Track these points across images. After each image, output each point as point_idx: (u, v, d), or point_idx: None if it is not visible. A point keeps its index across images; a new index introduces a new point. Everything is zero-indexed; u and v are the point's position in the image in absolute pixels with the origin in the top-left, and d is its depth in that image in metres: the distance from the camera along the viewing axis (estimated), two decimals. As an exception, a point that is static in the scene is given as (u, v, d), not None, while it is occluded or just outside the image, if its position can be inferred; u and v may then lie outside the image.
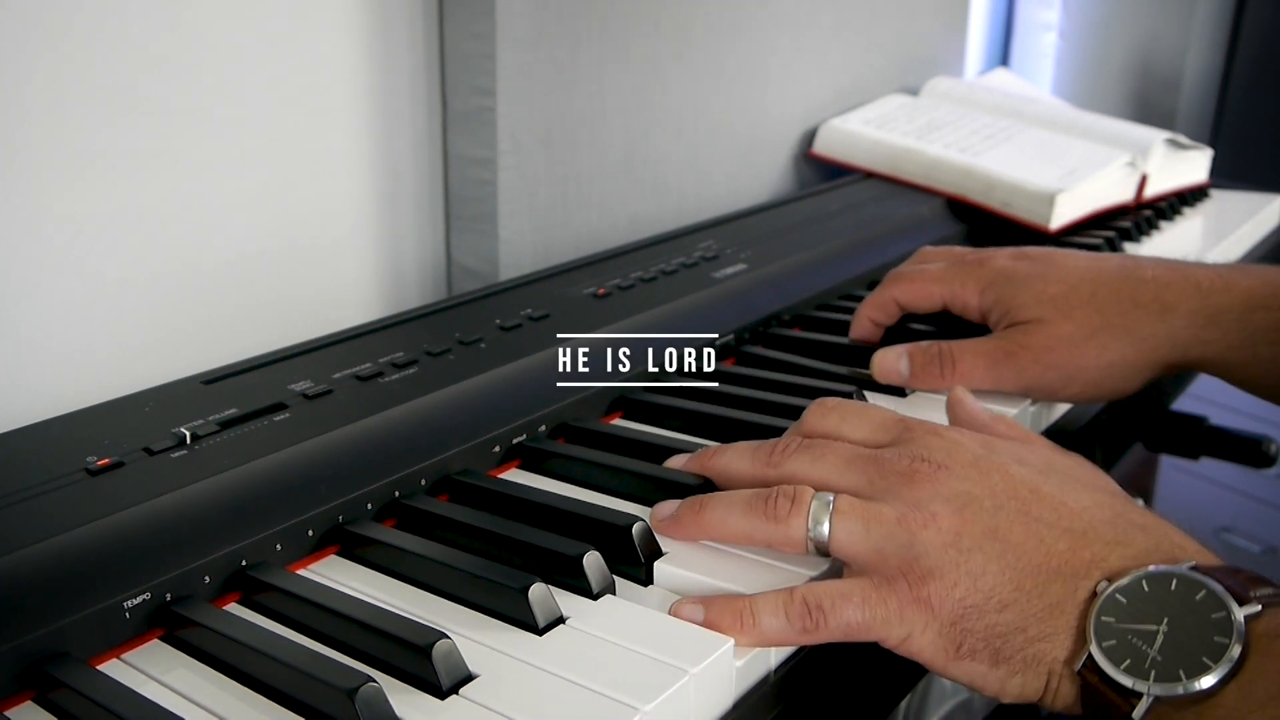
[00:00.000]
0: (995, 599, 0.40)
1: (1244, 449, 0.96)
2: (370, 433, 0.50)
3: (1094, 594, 0.39)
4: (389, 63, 0.76)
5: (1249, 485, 1.80)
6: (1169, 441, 0.98)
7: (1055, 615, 0.39)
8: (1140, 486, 1.74)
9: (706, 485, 0.49)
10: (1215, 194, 1.20)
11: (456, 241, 0.82)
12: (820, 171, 1.13)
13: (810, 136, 1.12)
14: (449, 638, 0.37)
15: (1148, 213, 1.06)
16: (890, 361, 0.62)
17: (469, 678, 0.37)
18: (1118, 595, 0.38)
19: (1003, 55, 1.74)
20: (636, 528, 0.45)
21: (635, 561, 0.44)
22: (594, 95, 0.84)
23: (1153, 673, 0.37)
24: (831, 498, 0.43)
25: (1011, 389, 0.61)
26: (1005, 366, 0.61)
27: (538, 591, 0.40)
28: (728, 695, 0.39)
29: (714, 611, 0.41)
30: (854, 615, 0.41)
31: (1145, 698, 0.36)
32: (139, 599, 0.40)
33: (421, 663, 0.37)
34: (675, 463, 0.51)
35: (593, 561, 0.43)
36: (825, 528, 0.43)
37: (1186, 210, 1.13)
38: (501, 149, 0.78)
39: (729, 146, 1.01)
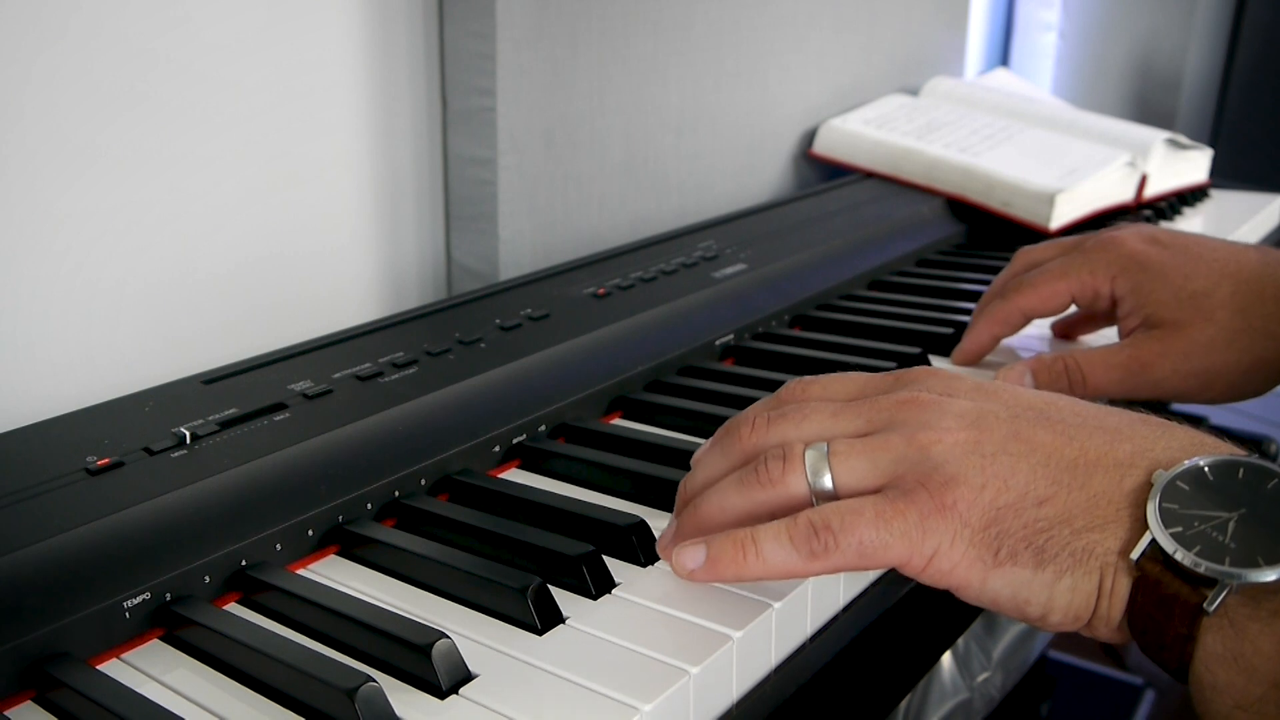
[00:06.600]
0: (1031, 495, 0.36)
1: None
2: (370, 433, 0.50)
3: (1147, 483, 0.35)
4: (389, 63, 0.76)
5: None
6: (1169, 441, 0.98)
7: (1102, 505, 0.36)
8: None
9: None
10: (1215, 194, 1.20)
11: (456, 241, 0.82)
12: (820, 171, 1.13)
13: (810, 136, 1.12)
14: (449, 638, 0.37)
15: (1148, 213, 1.06)
16: (1014, 380, 0.58)
17: (469, 678, 0.37)
18: (1179, 483, 0.35)
19: (1003, 55, 1.74)
20: (636, 527, 0.45)
21: (636, 561, 0.44)
22: (594, 95, 0.84)
23: (1227, 558, 0.32)
24: (825, 445, 0.39)
25: (1145, 397, 0.59)
26: (1141, 377, 0.58)
27: (537, 592, 0.40)
28: (728, 694, 0.39)
29: (715, 547, 0.38)
30: (869, 533, 0.36)
31: (1220, 585, 0.32)
32: (139, 599, 0.40)
33: (421, 662, 0.37)
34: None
35: (593, 561, 0.43)
36: (827, 477, 0.38)
37: (1186, 210, 1.13)
38: (501, 149, 0.78)
39: (729, 146, 1.01)
